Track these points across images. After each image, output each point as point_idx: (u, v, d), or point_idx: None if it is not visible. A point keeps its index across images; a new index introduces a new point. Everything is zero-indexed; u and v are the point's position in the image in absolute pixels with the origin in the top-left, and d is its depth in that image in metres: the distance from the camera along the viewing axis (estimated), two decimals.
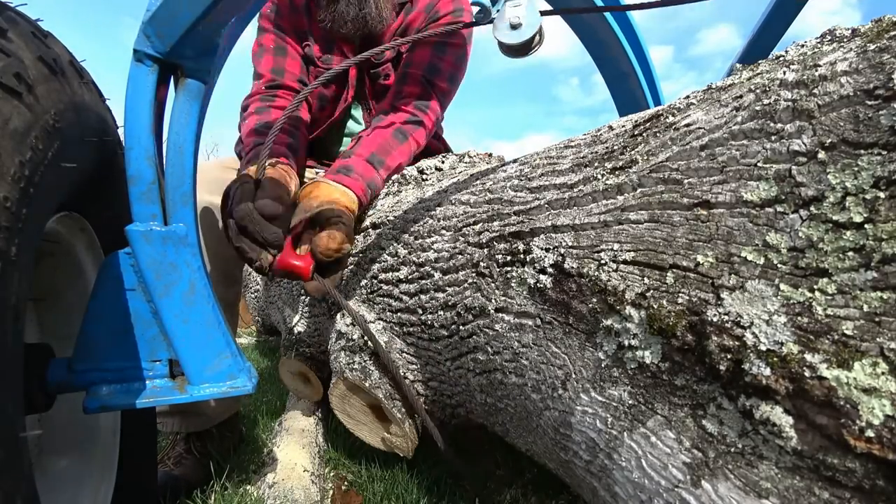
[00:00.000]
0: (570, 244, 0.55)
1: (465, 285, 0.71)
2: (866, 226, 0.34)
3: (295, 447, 1.09)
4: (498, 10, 0.77)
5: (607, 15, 1.41)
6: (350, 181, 0.94)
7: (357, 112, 1.31)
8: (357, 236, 1.06)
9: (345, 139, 1.34)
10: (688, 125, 0.50)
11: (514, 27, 0.76)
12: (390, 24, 1.15)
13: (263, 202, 0.78)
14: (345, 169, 0.96)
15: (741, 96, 0.46)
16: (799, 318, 0.36)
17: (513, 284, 0.62)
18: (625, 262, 0.49)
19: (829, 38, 0.43)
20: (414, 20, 1.17)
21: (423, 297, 0.80)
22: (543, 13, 0.76)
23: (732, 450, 0.39)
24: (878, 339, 0.32)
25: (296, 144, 1.05)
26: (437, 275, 0.77)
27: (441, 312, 0.76)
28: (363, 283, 0.97)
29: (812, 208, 0.37)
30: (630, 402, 0.47)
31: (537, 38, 0.78)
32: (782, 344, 0.36)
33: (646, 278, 0.47)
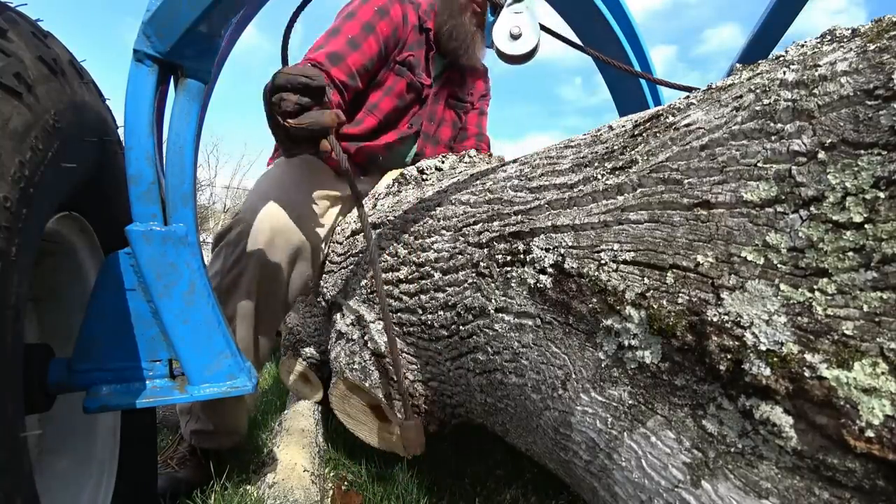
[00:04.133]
0: (570, 244, 0.55)
1: (465, 285, 0.71)
2: (866, 226, 0.34)
3: (295, 447, 1.09)
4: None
5: (607, 15, 1.41)
6: None
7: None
8: (357, 236, 1.06)
9: (398, 157, 1.38)
10: (688, 125, 0.50)
11: (514, 37, 0.75)
12: (476, 85, 1.49)
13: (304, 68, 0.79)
14: None
15: (741, 96, 0.46)
16: (799, 318, 0.36)
17: (513, 284, 0.62)
18: (625, 262, 0.49)
19: (829, 38, 0.43)
20: (482, 86, 1.53)
21: (423, 297, 0.80)
22: (543, 29, 0.76)
23: (732, 450, 0.39)
24: (878, 339, 0.32)
25: None
26: (437, 275, 0.77)
27: (441, 312, 0.76)
28: (363, 283, 0.97)
29: (812, 208, 0.37)
30: (630, 402, 0.47)
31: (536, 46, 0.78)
32: (782, 344, 0.36)
33: (646, 278, 0.47)
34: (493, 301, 0.66)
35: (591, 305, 0.51)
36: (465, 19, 1.28)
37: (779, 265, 0.38)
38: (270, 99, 0.79)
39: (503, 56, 0.79)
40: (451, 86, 1.43)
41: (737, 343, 0.38)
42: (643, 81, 1.51)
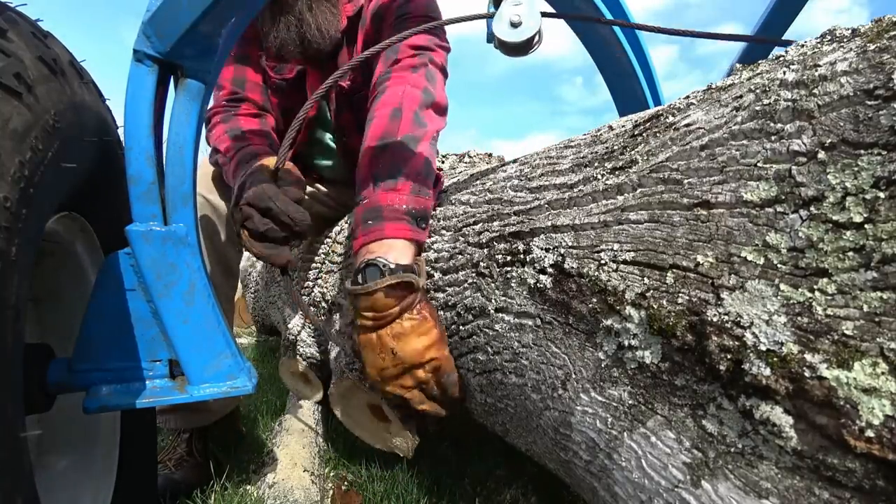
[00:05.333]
0: (570, 244, 0.55)
1: (465, 285, 0.71)
2: (866, 226, 0.34)
3: (295, 447, 1.09)
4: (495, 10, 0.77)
5: (607, 14, 1.41)
6: (392, 230, 0.71)
7: (327, 128, 1.20)
8: None
9: (319, 152, 1.25)
10: (688, 125, 0.50)
11: (514, 25, 0.75)
12: (346, 45, 1.05)
13: (287, 186, 0.74)
14: (373, 217, 0.73)
15: (741, 96, 0.46)
16: (799, 318, 0.36)
17: (513, 284, 0.62)
18: (625, 262, 0.49)
19: (829, 38, 0.43)
20: (368, 32, 1.04)
21: None
22: (544, 14, 0.76)
23: (732, 450, 0.39)
24: (878, 339, 0.32)
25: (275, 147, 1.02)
26: (437, 275, 0.77)
27: (441, 312, 0.76)
28: None
29: (812, 208, 0.37)
30: (630, 402, 0.47)
31: (537, 37, 0.77)
32: (782, 344, 0.36)
33: (646, 278, 0.47)
34: (493, 301, 0.66)
35: (591, 305, 0.51)
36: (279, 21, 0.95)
37: (779, 265, 0.38)
38: (247, 185, 0.74)
39: (504, 46, 0.77)
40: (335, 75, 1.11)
41: (737, 343, 0.38)
42: (643, 82, 1.51)
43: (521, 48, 0.77)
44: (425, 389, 0.70)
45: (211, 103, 1.07)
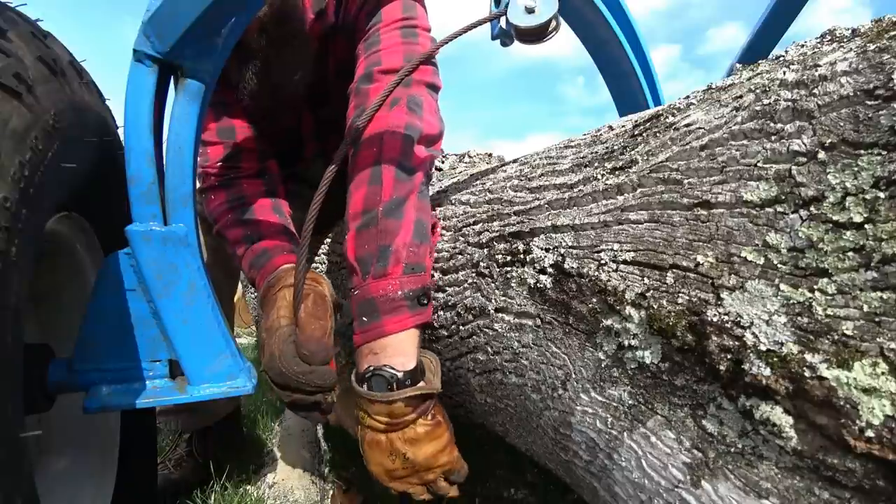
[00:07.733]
0: (570, 244, 0.55)
1: (465, 285, 0.71)
2: (866, 226, 0.34)
3: (295, 447, 1.09)
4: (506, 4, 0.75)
5: (607, 14, 1.41)
6: (392, 324, 0.66)
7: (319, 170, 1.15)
8: None
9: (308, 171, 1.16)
10: (688, 125, 0.50)
11: (529, 11, 0.73)
12: (318, 72, 0.93)
13: (307, 350, 0.67)
14: (368, 311, 0.67)
15: (741, 96, 0.46)
16: (799, 318, 0.36)
17: (513, 284, 0.62)
18: (625, 262, 0.49)
19: (829, 38, 0.43)
20: (342, 54, 0.92)
21: None
22: None
23: (732, 450, 0.39)
24: (878, 339, 0.32)
25: (289, 225, 0.91)
26: (436, 275, 0.77)
27: (441, 312, 0.76)
28: None
29: (812, 208, 0.37)
30: (630, 402, 0.47)
31: (554, 22, 0.75)
32: (782, 344, 0.36)
33: (646, 278, 0.47)
34: (493, 301, 0.66)
35: (591, 305, 0.51)
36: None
37: (779, 265, 0.38)
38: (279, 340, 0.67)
39: (519, 31, 0.74)
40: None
41: (737, 343, 0.38)
42: (643, 82, 1.51)
43: (537, 33, 0.75)
44: (431, 487, 0.69)
45: (201, 161, 0.93)
